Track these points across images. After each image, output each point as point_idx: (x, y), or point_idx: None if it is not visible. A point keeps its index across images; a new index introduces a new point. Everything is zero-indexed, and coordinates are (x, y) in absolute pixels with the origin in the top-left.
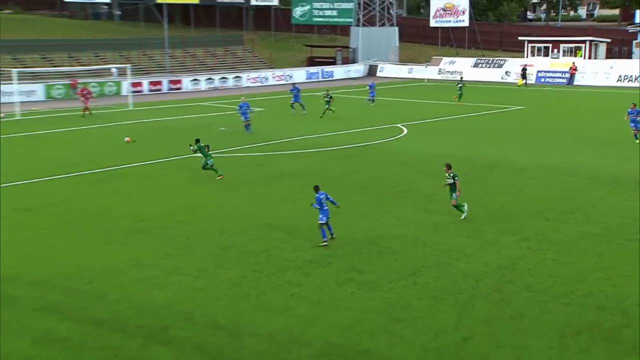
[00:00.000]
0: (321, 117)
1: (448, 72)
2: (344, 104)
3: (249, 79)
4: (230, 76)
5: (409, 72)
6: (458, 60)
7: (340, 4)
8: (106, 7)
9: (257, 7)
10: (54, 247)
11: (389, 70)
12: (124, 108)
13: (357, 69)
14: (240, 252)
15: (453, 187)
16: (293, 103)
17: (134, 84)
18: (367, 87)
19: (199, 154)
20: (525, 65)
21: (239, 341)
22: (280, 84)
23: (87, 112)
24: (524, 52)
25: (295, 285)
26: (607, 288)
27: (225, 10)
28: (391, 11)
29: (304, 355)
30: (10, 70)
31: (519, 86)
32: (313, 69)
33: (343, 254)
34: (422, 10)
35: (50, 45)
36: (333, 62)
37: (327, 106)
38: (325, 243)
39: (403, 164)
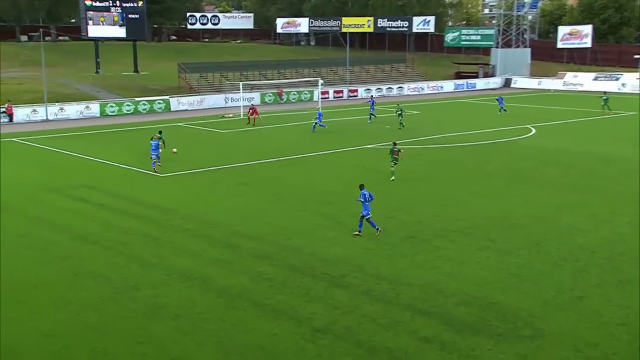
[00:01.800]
0: (399, 128)
1: (571, 84)
2: (480, 109)
3: (409, 89)
4: (395, 87)
5: (538, 84)
6: (580, 74)
7: (484, 30)
8: (305, 36)
9: (417, 34)
10: (264, 211)
11: (521, 82)
12: (315, 110)
13: (495, 82)
14: (399, 221)
15: (394, 157)
16: (372, 113)
17: (323, 92)
18: (496, 101)
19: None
20: None
21: (397, 289)
22: (434, 93)
23: (251, 124)
24: (638, 68)
25: (443, 249)
26: None
27: (392, 36)
28: (525, 35)
29: (448, 303)
30: (238, 83)
31: None
32: (459, 81)
33: (481, 226)
34: (550, 35)
35: (265, 65)
36: (476, 76)
37: (400, 119)
38: (358, 233)
39: (530, 157)
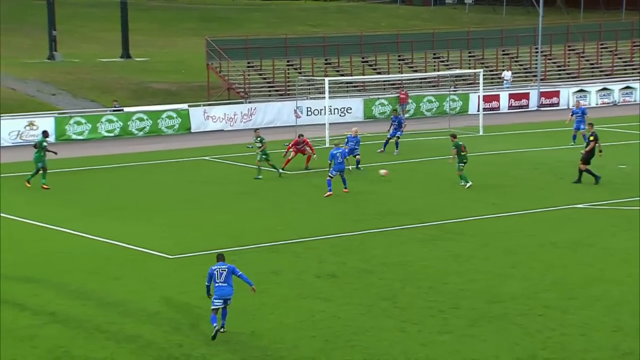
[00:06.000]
0: None
1: None
2: None
3: None
4: (639, 86)
5: None
6: None
7: None
8: None
9: None
10: (362, 334)
11: None
12: (473, 133)
13: None
14: None
15: (460, 157)
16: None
17: (487, 98)
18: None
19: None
20: None
21: None
22: None
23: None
24: None
25: None
26: None
27: None
28: None
29: None
30: (321, 79)
31: None
32: None
33: None
34: None
35: (373, 43)
36: None
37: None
38: (218, 329)
39: None
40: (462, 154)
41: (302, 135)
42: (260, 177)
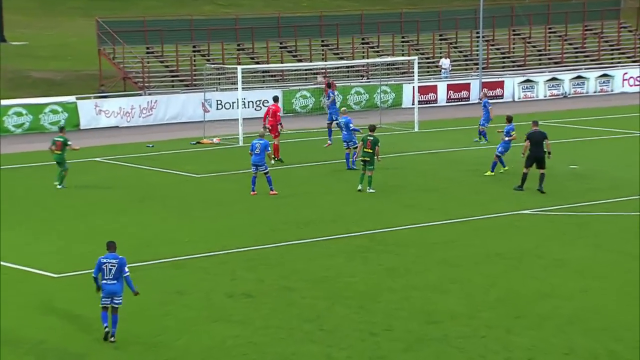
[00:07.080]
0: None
1: None
2: None
3: (627, 79)
4: (592, 75)
5: None
6: None
7: None
8: None
9: None
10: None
11: None
12: (407, 129)
13: None
14: None
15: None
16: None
17: (423, 90)
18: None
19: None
20: None
21: None
22: None
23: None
24: None
25: None
26: None
27: None
28: None
29: None
30: (233, 68)
31: None
32: None
33: None
34: None
35: (292, 26)
36: None
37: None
38: (108, 331)
39: None
40: (366, 150)
41: (277, 100)
42: (61, 185)
